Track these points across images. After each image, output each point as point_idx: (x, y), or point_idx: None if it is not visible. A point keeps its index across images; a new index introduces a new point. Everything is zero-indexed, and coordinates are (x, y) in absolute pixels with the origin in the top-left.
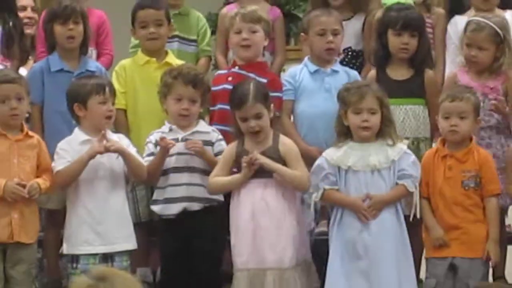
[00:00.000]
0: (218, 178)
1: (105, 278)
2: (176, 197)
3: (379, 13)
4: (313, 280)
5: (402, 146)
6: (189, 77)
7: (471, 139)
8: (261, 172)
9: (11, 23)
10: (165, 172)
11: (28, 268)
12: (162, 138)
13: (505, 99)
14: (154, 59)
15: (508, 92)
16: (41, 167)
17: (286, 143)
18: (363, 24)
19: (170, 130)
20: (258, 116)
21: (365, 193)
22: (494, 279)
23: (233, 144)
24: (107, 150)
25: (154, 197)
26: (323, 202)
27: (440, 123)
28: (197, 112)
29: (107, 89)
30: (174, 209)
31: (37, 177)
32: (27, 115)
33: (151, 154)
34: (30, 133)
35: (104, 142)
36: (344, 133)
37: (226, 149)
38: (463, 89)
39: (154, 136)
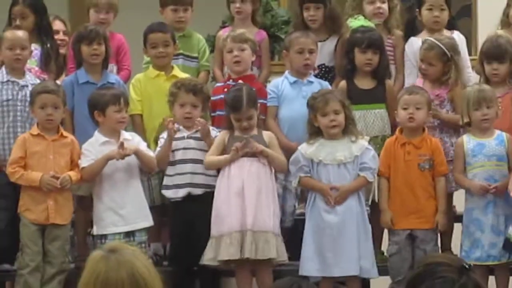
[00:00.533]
0: (213, 156)
1: (115, 250)
2: (182, 183)
3: (346, 34)
4: (281, 249)
5: (364, 142)
6: (189, 86)
7: (424, 129)
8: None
9: (48, 44)
10: (173, 163)
11: (62, 244)
12: (169, 122)
13: (441, 106)
14: (163, 73)
15: (453, 99)
16: (74, 162)
17: (267, 133)
18: (336, 44)
19: (178, 130)
20: (249, 118)
21: (332, 184)
22: (442, 251)
23: (225, 132)
24: (124, 156)
25: (164, 183)
26: (300, 187)
27: (399, 113)
28: (198, 115)
29: (122, 100)
30: (181, 193)
31: (71, 170)
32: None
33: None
34: (65, 133)
35: (122, 150)
36: (315, 133)
37: (219, 135)
38: (418, 87)
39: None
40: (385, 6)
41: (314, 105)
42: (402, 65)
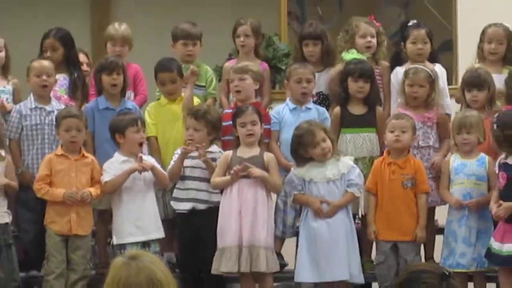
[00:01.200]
0: (217, 178)
1: (135, 257)
2: (188, 197)
3: (339, 66)
4: (275, 260)
5: (349, 161)
6: (192, 111)
7: (408, 151)
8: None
9: (76, 74)
10: (183, 178)
11: (84, 253)
12: (186, 148)
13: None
14: (171, 101)
15: (439, 120)
16: (94, 180)
17: (268, 155)
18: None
19: (194, 150)
20: (253, 123)
21: (323, 199)
22: (425, 260)
23: (228, 152)
24: (144, 170)
25: (174, 195)
26: (295, 204)
27: (387, 136)
28: (199, 137)
29: (139, 122)
30: (186, 206)
31: (91, 186)
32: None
33: None
34: (86, 154)
35: (142, 164)
36: (304, 161)
37: (223, 155)
38: (404, 113)
39: (180, 150)
40: (374, 40)
41: (302, 141)
42: (389, 92)
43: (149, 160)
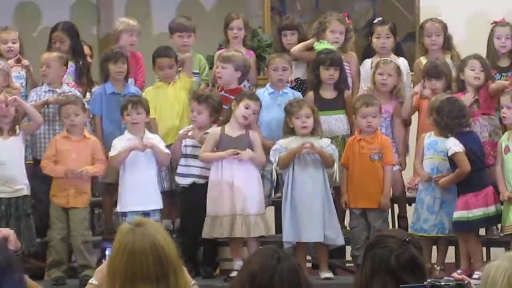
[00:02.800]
0: (206, 153)
1: (140, 224)
2: (189, 173)
3: (311, 54)
4: (267, 225)
5: (327, 140)
6: (195, 96)
7: (377, 128)
8: (238, 149)
9: (81, 62)
10: (185, 156)
11: (82, 221)
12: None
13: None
14: (166, 84)
15: (394, 112)
16: (94, 159)
17: (254, 134)
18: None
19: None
20: (254, 112)
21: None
22: (399, 218)
23: (217, 130)
24: (145, 148)
25: (177, 171)
26: (280, 166)
27: (358, 121)
28: (202, 119)
29: (129, 106)
30: (187, 181)
31: (92, 163)
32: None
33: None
34: (87, 135)
35: (143, 142)
36: (289, 132)
37: (211, 133)
38: (371, 96)
39: (183, 131)
40: (342, 36)
41: (290, 109)
42: (358, 80)
43: (155, 138)
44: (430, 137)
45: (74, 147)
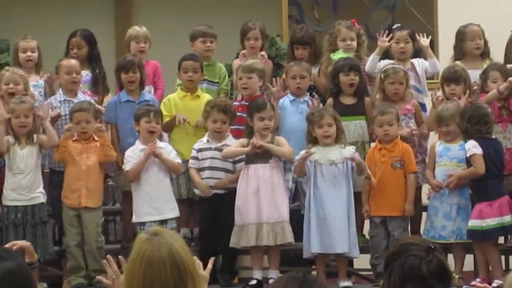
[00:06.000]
0: (229, 148)
1: (157, 233)
2: (209, 185)
3: (330, 67)
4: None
5: (351, 149)
6: (221, 106)
7: (397, 136)
8: (263, 158)
9: (97, 71)
10: (203, 169)
11: (95, 227)
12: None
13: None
14: (189, 94)
15: (416, 110)
16: (101, 159)
17: (279, 138)
18: (318, 70)
19: (208, 141)
20: (270, 119)
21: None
22: (412, 233)
23: (243, 140)
24: (155, 152)
25: None
26: (296, 174)
27: (376, 130)
28: (226, 129)
29: (151, 114)
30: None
31: (100, 164)
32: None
33: (195, 158)
34: (96, 138)
35: (152, 148)
36: (313, 142)
37: (238, 141)
38: (387, 105)
39: (198, 145)
40: (354, 43)
41: (312, 118)
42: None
43: (167, 149)
44: (440, 145)
45: (84, 150)
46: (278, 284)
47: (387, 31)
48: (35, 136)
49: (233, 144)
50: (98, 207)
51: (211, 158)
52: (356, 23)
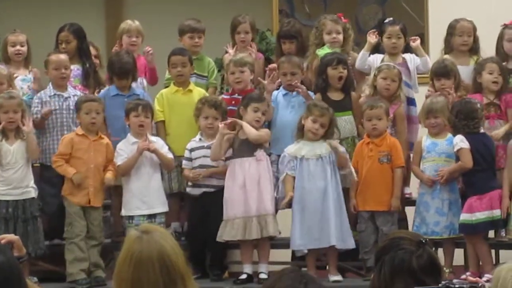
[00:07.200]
0: (213, 146)
1: (147, 232)
2: (200, 183)
3: (315, 62)
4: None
5: (337, 143)
6: (211, 102)
7: (385, 131)
8: (248, 152)
9: (87, 64)
10: (194, 168)
11: (99, 223)
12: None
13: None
14: (181, 88)
15: (396, 118)
16: (107, 159)
17: (262, 130)
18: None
19: (200, 139)
20: (263, 113)
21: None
22: (398, 220)
23: (230, 135)
24: (149, 148)
25: (188, 182)
26: (283, 182)
27: (364, 124)
28: (217, 125)
29: (139, 108)
30: (198, 192)
31: (106, 163)
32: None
33: (188, 159)
34: (102, 136)
35: (147, 143)
36: (301, 136)
37: (226, 137)
38: (377, 99)
39: (190, 144)
40: (340, 36)
41: (312, 110)
42: (361, 78)
43: (158, 143)
44: (427, 140)
45: (91, 147)
46: (280, 284)
47: (376, 32)
48: (23, 128)
49: (214, 143)
50: (101, 205)
51: (203, 156)
52: (342, 17)
